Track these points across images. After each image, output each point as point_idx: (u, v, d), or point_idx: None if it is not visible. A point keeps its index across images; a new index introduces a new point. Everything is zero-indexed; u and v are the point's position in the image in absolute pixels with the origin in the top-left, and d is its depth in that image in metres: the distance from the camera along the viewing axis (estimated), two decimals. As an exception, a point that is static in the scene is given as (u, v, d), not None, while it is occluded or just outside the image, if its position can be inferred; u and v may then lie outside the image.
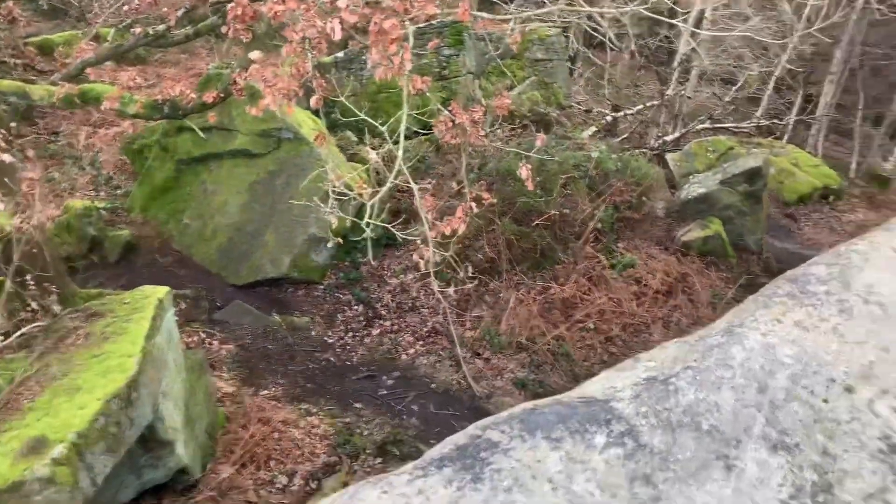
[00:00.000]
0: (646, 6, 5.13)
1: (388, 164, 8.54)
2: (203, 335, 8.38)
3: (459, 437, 3.21)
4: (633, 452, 2.86)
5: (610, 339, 9.43)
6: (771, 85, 21.48)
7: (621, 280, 10.23)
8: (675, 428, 2.76)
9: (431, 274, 5.88)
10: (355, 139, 10.88)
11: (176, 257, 10.00)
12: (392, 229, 5.04)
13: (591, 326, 9.45)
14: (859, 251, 2.72)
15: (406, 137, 6.22)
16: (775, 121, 21.23)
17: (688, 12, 15.91)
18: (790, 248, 13.73)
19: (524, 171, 6.40)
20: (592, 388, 3.53)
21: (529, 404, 3.53)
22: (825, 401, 2.34)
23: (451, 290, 7.22)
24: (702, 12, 14.57)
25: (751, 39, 15.89)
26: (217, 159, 10.19)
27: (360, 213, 7.72)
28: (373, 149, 8.50)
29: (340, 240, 6.73)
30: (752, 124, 19.65)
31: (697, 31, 10.55)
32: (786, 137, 22.11)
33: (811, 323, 2.43)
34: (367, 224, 4.45)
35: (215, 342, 8.31)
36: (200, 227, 10.05)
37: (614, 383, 3.34)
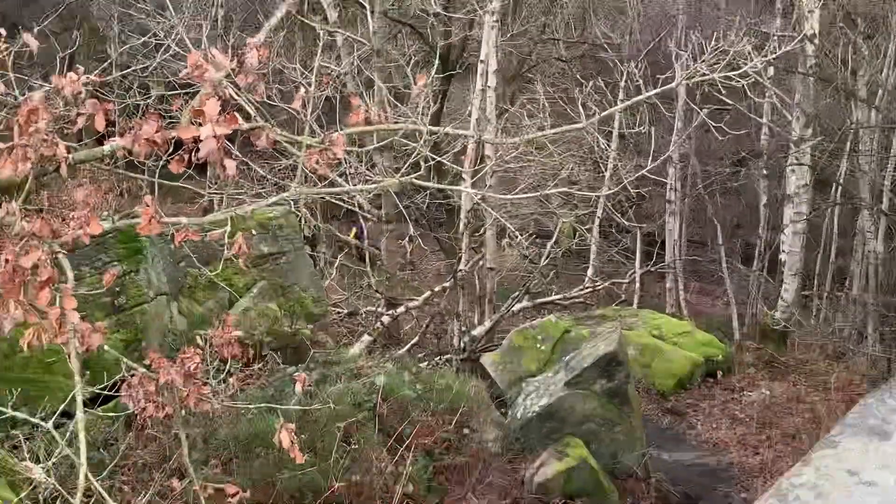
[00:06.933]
0: (417, 174, 5.62)
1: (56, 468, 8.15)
2: None
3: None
4: None
5: None
6: (596, 231, 23.84)
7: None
8: None
9: None
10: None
11: None
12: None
13: None
14: (807, 484, 3.03)
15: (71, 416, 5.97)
16: (615, 280, 23.35)
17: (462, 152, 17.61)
18: (685, 460, 14.79)
19: (285, 436, 6.44)
20: None
21: None
22: None
23: None
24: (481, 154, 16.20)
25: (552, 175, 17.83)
26: None
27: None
28: (29, 454, 8.07)
29: None
30: (585, 290, 21.40)
31: (474, 192, 11.72)
32: (635, 299, 24.35)
33: None
34: None
35: None
36: None
37: None
